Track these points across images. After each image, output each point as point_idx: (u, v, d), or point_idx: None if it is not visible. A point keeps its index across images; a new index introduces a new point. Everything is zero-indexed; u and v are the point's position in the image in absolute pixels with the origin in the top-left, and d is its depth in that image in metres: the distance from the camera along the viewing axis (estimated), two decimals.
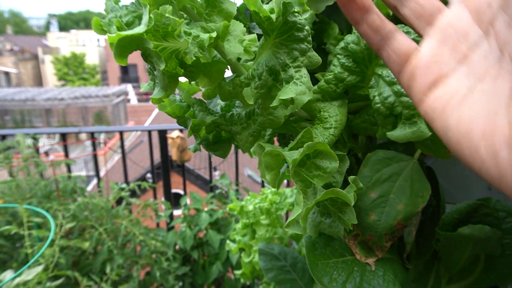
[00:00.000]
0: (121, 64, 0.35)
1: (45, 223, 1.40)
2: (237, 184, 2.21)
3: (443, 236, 0.51)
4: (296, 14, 0.36)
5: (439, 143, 0.46)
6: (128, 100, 18.46)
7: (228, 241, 1.22)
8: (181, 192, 2.59)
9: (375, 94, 0.42)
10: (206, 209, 1.94)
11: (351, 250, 0.50)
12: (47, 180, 1.74)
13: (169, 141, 2.12)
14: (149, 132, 2.10)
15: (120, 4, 0.42)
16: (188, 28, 0.35)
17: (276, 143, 0.63)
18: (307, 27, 0.37)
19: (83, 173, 10.50)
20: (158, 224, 2.15)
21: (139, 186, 1.92)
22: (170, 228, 2.01)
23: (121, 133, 2.08)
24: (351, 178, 0.42)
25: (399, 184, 0.49)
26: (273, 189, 1.06)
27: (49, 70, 25.48)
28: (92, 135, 2.11)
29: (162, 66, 0.33)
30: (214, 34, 0.35)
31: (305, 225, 0.38)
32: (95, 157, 2.02)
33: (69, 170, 1.90)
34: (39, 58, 26.43)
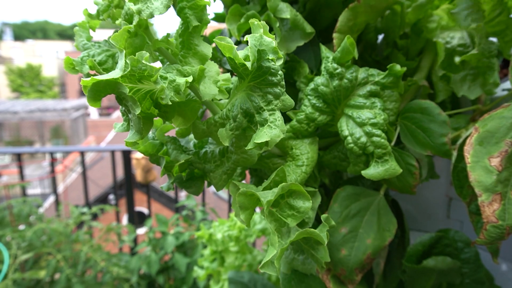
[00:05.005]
0: (94, 106, 0.34)
1: None
2: (203, 205, 2.18)
3: (410, 268, 0.53)
4: (270, 60, 0.37)
5: (405, 180, 0.48)
6: (88, 114, 17.81)
7: (195, 268, 1.19)
8: (145, 210, 2.52)
9: (346, 134, 0.44)
10: (172, 231, 1.89)
11: (325, 285, 0.51)
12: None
13: (134, 162, 2.07)
14: (112, 152, 2.03)
15: (92, 41, 0.41)
16: (164, 72, 0.35)
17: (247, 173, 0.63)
18: (280, 72, 0.38)
19: (38, 190, 9.93)
20: (121, 248, 2.06)
21: (101, 209, 1.84)
22: (134, 253, 1.94)
23: (82, 153, 1.99)
24: (323, 216, 0.43)
25: (367, 219, 0.50)
26: None
27: (1, 81, 24.14)
28: (51, 155, 2.02)
29: (138, 111, 0.32)
30: (190, 79, 0.35)
31: (279, 266, 0.38)
32: (53, 179, 1.92)
33: (24, 193, 1.79)
34: None
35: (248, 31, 0.52)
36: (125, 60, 0.31)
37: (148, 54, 0.31)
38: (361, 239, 0.50)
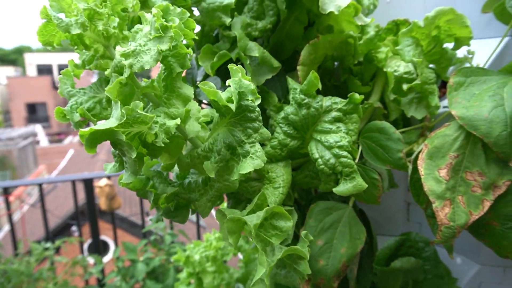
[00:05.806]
0: (90, 153, 0.36)
1: None
2: (171, 228, 2.16)
3: (380, 271, 0.58)
4: (249, 99, 0.41)
5: (370, 192, 0.54)
6: (38, 142, 16.84)
7: None
8: (107, 239, 2.44)
9: (316, 157, 0.49)
10: (141, 258, 1.86)
11: None
12: None
13: (97, 190, 2.01)
14: (73, 182, 1.97)
15: (77, 87, 0.44)
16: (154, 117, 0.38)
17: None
18: (258, 109, 0.43)
19: None
20: (87, 281, 1.98)
21: (64, 241, 1.77)
22: (102, 284, 1.87)
23: (40, 185, 1.91)
24: (303, 233, 0.48)
25: (340, 230, 0.56)
26: (217, 235, 1.08)
27: None
28: (5, 190, 1.92)
29: (134, 155, 0.35)
30: (178, 121, 0.38)
31: (269, 283, 0.42)
32: (9, 217, 1.82)
33: None
34: None
35: (220, 67, 0.57)
36: (121, 110, 0.34)
37: (142, 104, 0.34)
38: (336, 249, 0.55)
